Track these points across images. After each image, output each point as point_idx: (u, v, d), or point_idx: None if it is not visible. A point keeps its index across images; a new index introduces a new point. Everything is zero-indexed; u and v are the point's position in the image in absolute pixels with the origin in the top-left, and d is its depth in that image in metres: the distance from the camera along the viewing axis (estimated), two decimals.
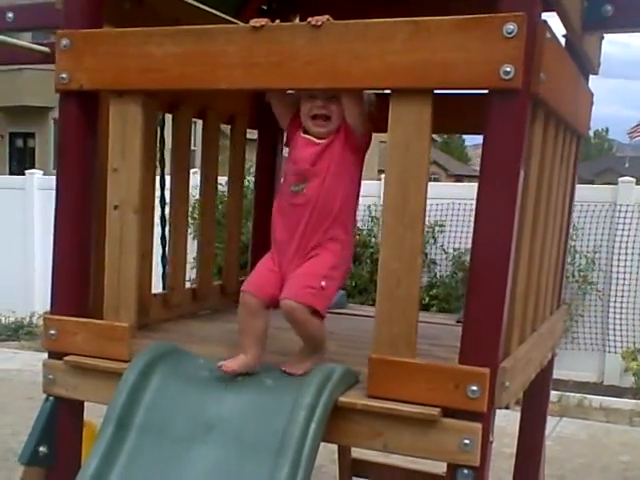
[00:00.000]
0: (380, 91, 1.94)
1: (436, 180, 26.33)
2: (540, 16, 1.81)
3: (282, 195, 2.28)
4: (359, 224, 8.29)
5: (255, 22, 2.00)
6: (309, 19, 1.94)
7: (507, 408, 1.95)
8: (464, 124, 2.65)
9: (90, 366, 2.21)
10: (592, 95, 2.79)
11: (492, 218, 1.84)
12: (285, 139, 2.40)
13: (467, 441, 1.84)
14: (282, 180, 2.37)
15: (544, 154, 2.12)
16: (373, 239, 8.42)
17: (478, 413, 1.84)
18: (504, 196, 1.83)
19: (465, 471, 1.86)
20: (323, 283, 2.12)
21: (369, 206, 8.31)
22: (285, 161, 2.40)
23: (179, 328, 2.75)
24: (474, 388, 1.82)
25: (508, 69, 1.75)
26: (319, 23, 1.92)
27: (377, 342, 1.93)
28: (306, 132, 2.23)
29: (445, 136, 31.16)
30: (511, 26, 1.73)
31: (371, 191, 8.32)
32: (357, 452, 3.60)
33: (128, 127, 2.19)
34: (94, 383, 2.23)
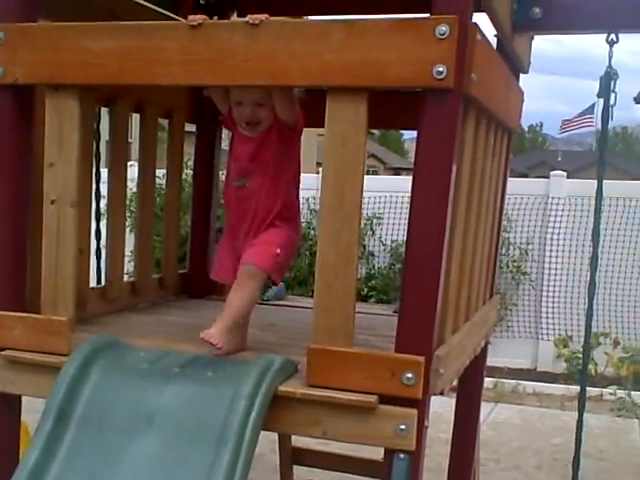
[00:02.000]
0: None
1: (374, 173, 26.52)
2: (471, 18, 1.87)
3: (228, 187, 2.39)
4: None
5: (193, 20, 2.02)
6: (248, 17, 1.97)
7: (442, 394, 2.02)
8: (400, 120, 2.72)
9: (28, 360, 2.19)
10: (522, 93, 2.89)
11: (425, 212, 1.91)
12: (223, 123, 2.50)
13: (403, 427, 1.90)
14: (227, 173, 2.45)
15: (476, 149, 2.19)
16: (312, 232, 8.47)
17: (413, 399, 1.90)
18: (437, 190, 1.89)
19: (401, 455, 1.92)
20: (278, 250, 2.27)
21: (307, 199, 8.35)
22: (227, 154, 2.47)
23: (118, 321, 2.75)
24: (409, 375, 1.88)
25: (441, 69, 1.81)
26: (257, 22, 1.95)
27: (315, 332, 1.98)
28: (242, 127, 2.35)
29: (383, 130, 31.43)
30: (443, 28, 1.79)
31: (309, 184, 8.34)
32: (298, 441, 3.66)
33: (65, 122, 2.18)
34: (32, 378, 2.21)
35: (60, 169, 2.19)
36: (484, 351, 2.98)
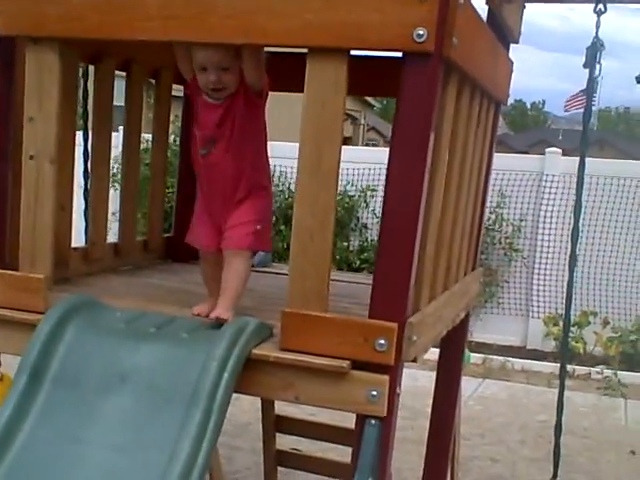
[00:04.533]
0: (294, 49, 1.95)
1: (374, 146, 26.44)
2: None
3: (196, 156, 2.35)
4: (292, 186, 8.30)
5: None
6: None
7: (414, 361, 2.02)
8: (380, 87, 2.70)
9: (5, 317, 2.19)
10: (512, 63, 2.86)
11: (402, 179, 1.89)
12: (187, 89, 2.42)
13: (374, 392, 1.90)
14: (193, 141, 2.39)
15: (457, 118, 2.17)
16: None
17: (385, 366, 1.90)
18: (414, 157, 1.87)
19: (372, 421, 1.93)
20: (258, 227, 2.30)
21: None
22: (193, 117, 2.40)
23: (99, 282, 2.74)
24: (382, 342, 1.88)
25: (421, 32, 1.79)
26: None
27: (290, 296, 1.98)
28: (207, 94, 2.30)
29: (384, 101, 31.07)
30: None
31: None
32: (282, 411, 3.67)
33: (44, 75, 2.15)
34: (8, 334, 2.21)
35: (40, 124, 2.16)
36: (465, 323, 2.98)
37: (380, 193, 8.03)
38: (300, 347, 1.96)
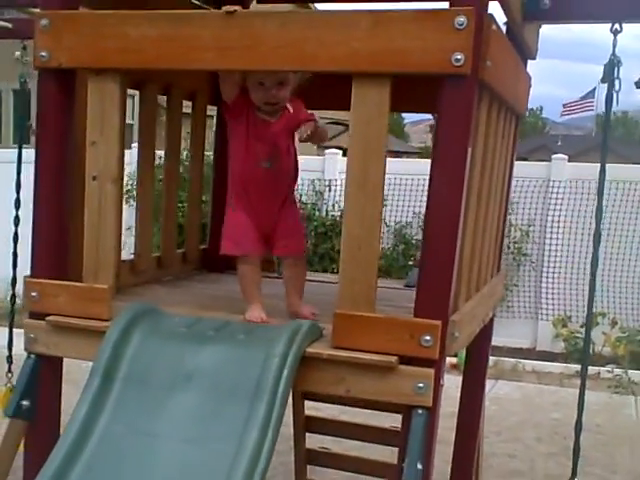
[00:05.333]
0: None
1: None
2: (487, 9, 2.04)
3: (256, 168, 2.50)
4: (304, 198, 8.50)
5: (228, 8, 2.18)
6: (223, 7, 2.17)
7: (455, 356, 2.19)
8: (416, 104, 2.89)
9: (72, 325, 2.36)
10: (530, 78, 3.05)
11: (443, 189, 2.07)
12: (227, 110, 2.58)
13: (421, 385, 2.08)
14: (239, 152, 2.54)
15: (488, 132, 2.36)
16: (317, 212, 8.64)
17: (431, 360, 2.08)
18: (454, 170, 2.06)
19: (420, 411, 2.10)
20: (304, 232, 2.64)
21: (313, 181, 8.52)
22: (237, 134, 2.54)
23: (147, 292, 2.92)
24: (427, 338, 2.06)
25: (459, 57, 1.98)
26: (232, 9, 2.15)
27: (341, 299, 2.16)
28: (259, 110, 2.49)
29: None
30: (462, 19, 1.95)
31: (314, 166, 8.55)
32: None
33: (106, 103, 2.34)
34: (75, 341, 2.39)
35: (101, 148, 2.35)
36: (491, 322, 3.15)
37: (389, 202, 8.20)
38: (351, 345, 2.13)
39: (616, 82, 2.43)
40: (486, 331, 3.11)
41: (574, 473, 2.98)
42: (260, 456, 1.95)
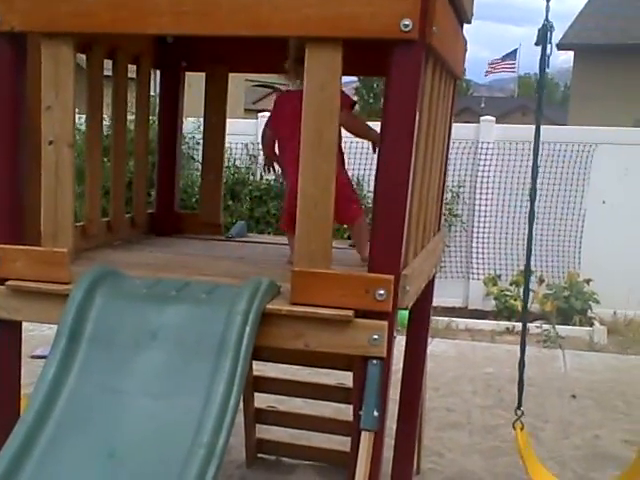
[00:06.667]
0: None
1: None
2: None
3: (293, 149, 2.45)
4: (237, 162, 8.51)
5: None
6: None
7: (406, 309, 2.32)
8: (366, 67, 2.99)
9: (32, 289, 2.39)
10: (466, 42, 3.18)
11: (394, 149, 2.18)
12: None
13: (376, 336, 2.20)
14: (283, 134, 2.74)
15: (432, 95, 2.47)
16: (251, 177, 8.64)
17: (385, 313, 2.20)
18: (404, 130, 2.17)
19: (374, 361, 2.22)
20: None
21: (246, 144, 8.51)
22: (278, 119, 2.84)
23: (100, 256, 2.94)
24: (381, 292, 2.17)
25: (407, 22, 2.07)
26: None
27: (298, 257, 2.25)
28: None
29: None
30: None
31: (248, 130, 8.54)
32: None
33: (60, 68, 2.36)
34: (35, 305, 2.42)
35: (57, 112, 2.37)
36: (430, 285, 3.29)
37: None
38: (309, 301, 2.23)
39: (548, 46, 2.56)
40: (427, 291, 3.25)
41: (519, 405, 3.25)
42: (227, 409, 2.04)
